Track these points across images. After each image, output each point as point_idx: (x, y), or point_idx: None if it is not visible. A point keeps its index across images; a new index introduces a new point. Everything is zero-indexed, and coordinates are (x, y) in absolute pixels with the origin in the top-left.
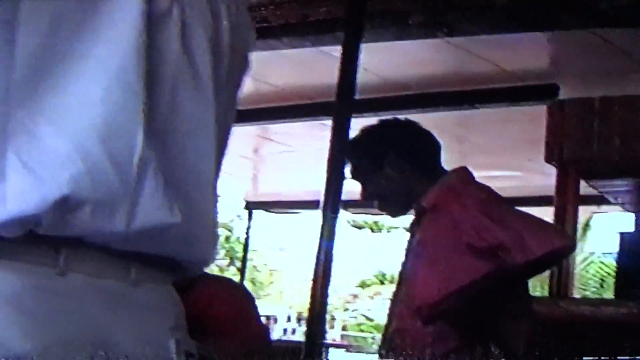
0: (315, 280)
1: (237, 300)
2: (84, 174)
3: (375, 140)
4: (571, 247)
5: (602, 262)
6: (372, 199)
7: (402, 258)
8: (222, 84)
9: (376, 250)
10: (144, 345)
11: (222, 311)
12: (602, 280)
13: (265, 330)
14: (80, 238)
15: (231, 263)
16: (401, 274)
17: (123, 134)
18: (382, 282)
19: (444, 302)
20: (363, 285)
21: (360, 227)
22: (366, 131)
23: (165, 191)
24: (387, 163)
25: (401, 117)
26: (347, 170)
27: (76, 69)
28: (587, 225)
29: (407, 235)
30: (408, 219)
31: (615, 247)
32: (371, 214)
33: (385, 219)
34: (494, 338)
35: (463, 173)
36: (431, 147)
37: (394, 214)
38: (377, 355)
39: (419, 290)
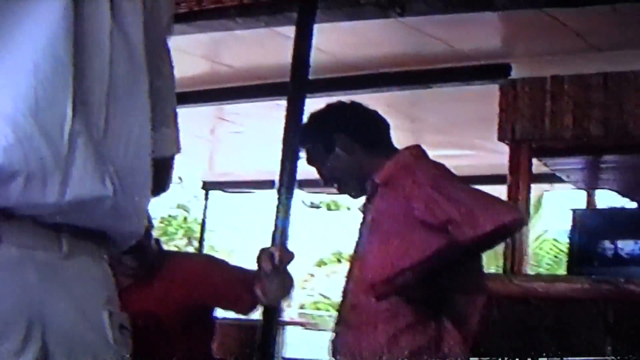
0: None
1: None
2: (15, 145)
3: (324, 125)
4: (521, 222)
5: (555, 240)
6: (330, 183)
7: (357, 235)
8: (153, 53)
9: (333, 229)
10: (78, 318)
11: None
12: (555, 257)
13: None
14: (13, 209)
15: (189, 243)
16: (355, 251)
17: (53, 107)
18: (339, 261)
19: (398, 278)
20: (320, 264)
21: (317, 207)
22: (314, 117)
23: (96, 163)
24: (337, 145)
25: (346, 99)
26: (304, 156)
27: (4, 43)
28: (539, 203)
29: (361, 212)
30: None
31: (567, 225)
32: (328, 193)
33: (343, 198)
34: (447, 314)
35: (416, 150)
36: (380, 126)
37: (354, 194)
38: (333, 333)
39: (372, 266)
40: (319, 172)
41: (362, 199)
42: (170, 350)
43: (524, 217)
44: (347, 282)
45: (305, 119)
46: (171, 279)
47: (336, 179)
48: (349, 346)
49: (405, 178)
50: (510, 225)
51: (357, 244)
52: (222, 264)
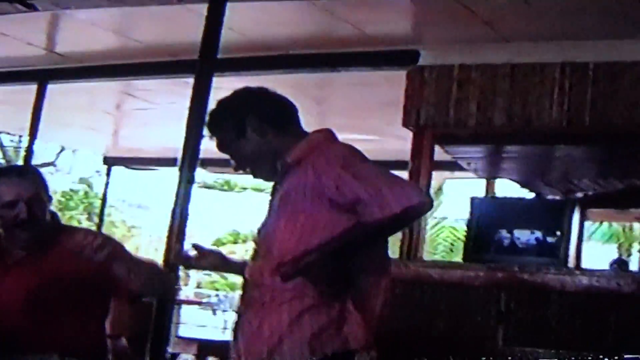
0: (169, 236)
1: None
2: None
3: (234, 109)
4: (429, 204)
5: (453, 228)
6: (243, 168)
7: (265, 214)
8: None
9: (228, 209)
10: None
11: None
12: (452, 244)
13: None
14: None
15: (89, 218)
16: (262, 229)
17: None
18: (235, 242)
19: (304, 258)
20: (218, 243)
21: (210, 187)
22: (223, 103)
23: None
24: (249, 129)
25: (253, 84)
26: (213, 139)
27: None
28: (439, 190)
29: (270, 192)
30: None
31: (466, 213)
32: (228, 173)
33: (237, 178)
34: (352, 295)
35: (327, 132)
36: (289, 109)
37: (267, 177)
38: (231, 313)
39: (278, 245)
40: (232, 158)
41: (256, 180)
42: (60, 325)
43: (431, 200)
44: (252, 261)
45: (213, 106)
46: (62, 252)
47: (249, 163)
48: (252, 325)
49: (317, 157)
50: (419, 208)
51: (265, 223)
52: (117, 246)
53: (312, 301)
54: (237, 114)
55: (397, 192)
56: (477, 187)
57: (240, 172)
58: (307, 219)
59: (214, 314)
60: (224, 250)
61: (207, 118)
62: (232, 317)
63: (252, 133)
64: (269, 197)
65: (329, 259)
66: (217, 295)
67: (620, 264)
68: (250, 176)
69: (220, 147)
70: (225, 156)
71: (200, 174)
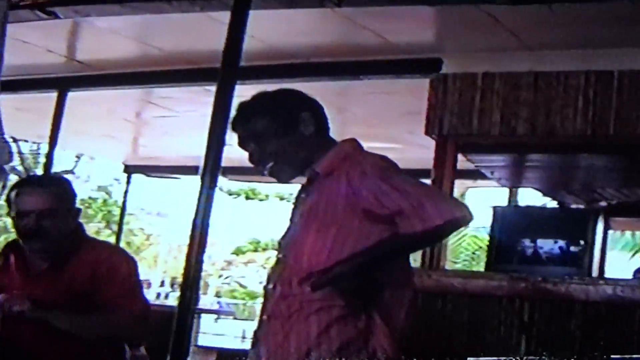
0: (190, 246)
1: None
2: None
3: (291, 101)
4: (469, 218)
5: (475, 236)
6: (268, 161)
7: (288, 224)
8: None
9: (251, 217)
10: None
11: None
12: (474, 253)
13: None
14: None
15: (107, 226)
16: (287, 239)
17: None
18: (255, 250)
19: (336, 267)
20: (238, 252)
21: (235, 195)
22: (280, 92)
23: None
24: (302, 123)
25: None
26: (242, 130)
27: None
28: (462, 199)
29: (294, 201)
30: (284, 187)
31: (488, 222)
32: (248, 182)
33: (261, 187)
34: (377, 307)
35: (355, 142)
36: (326, 115)
37: (286, 178)
38: (249, 321)
39: (309, 256)
40: (261, 150)
41: (279, 188)
42: (73, 341)
43: (471, 214)
44: (274, 271)
45: (256, 94)
46: (80, 266)
47: (280, 159)
48: (277, 337)
49: (351, 168)
50: (460, 221)
51: (290, 232)
52: (129, 262)
53: (339, 312)
54: (294, 107)
55: (439, 205)
56: (500, 195)
57: (260, 167)
58: (339, 230)
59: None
60: (243, 258)
61: (247, 104)
62: (251, 326)
63: (303, 128)
64: (293, 206)
65: (361, 270)
66: (236, 304)
67: None
68: (269, 176)
69: (252, 137)
70: (247, 164)
71: (223, 181)
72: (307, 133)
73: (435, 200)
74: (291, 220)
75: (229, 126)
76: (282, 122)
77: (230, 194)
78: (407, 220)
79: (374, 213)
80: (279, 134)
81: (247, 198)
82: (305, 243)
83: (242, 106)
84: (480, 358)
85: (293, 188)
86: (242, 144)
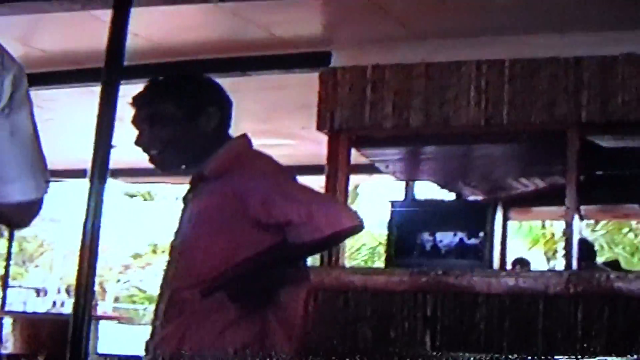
0: (82, 251)
1: None
2: None
3: (205, 91)
4: (359, 227)
5: (372, 232)
6: (156, 147)
7: (177, 226)
8: None
9: (148, 220)
10: None
11: None
12: (374, 249)
13: None
14: None
15: None
16: (176, 242)
17: None
18: (154, 252)
19: (226, 274)
20: (136, 256)
21: (132, 196)
22: (194, 79)
23: None
24: (205, 116)
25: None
26: (141, 107)
27: None
28: (355, 193)
29: (182, 201)
30: (182, 188)
31: (384, 216)
32: (141, 183)
33: (159, 189)
34: (272, 309)
35: (246, 141)
36: (232, 113)
37: (169, 168)
38: (149, 327)
39: (200, 261)
40: (153, 134)
41: (175, 189)
42: None
43: (362, 223)
44: (166, 275)
45: (180, 76)
46: None
47: (170, 146)
48: (169, 341)
49: (239, 174)
50: (349, 231)
51: (179, 235)
52: None
53: (232, 317)
54: (203, 99)
55: (328, 215)
56: (395, 188)
57: (145, 150)
58: (229, 237)
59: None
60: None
61: (156, 83)
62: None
63: (203, 122)
64: (182, 206)
65: (252, 276)
66: (136, 309)
67: (521, 263)
68: (150, 163)
69: (149, 117)
70: (138, 165)
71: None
72: (207, 128)
73: (324, 210)
74: (180, 221)
75: (130, 102)
76: (186, 111)
77: (128, 196)
78: (295, 231)
79: (262, 221)
80: (178, 121)
81: (144, 200)
82: (196, 248)
83: (151, 83)
84: None
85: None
86: (136, 122)
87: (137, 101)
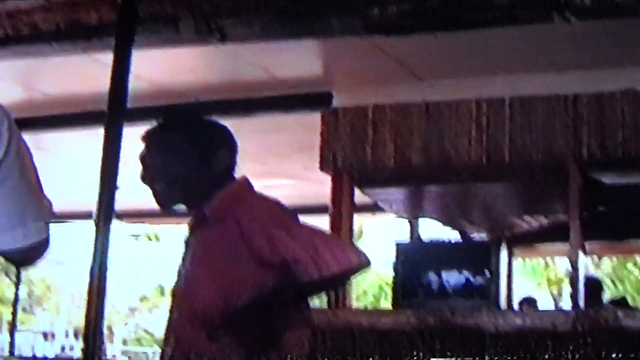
0: (90, 294)
1: None
2: None
3: (221, 133)
4: (366, 264)
5: (377, 273)
6: (163, 179)
7: (179, 269)
8: None
9: (155, 261)
10: None
11: None
12: (380, 288)
13: None
14: None
15: (6, 275)
16: (179, 285)
17: None
18: (161, 295)
19: (231, 315)
20: (142, 298)
21: (136, 236)
22: (212, 120)
23: None
24: (217, 158)
25: None
26: (156, 136)
27: None
28: (360, 232)
29: (184, 244)
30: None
31: (390, 255)
32: (147, 224)
33: (164, 230)
34: (276, 349)
35: (246, 184)
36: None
37: (170, 203)
38: None
39: (204, 303)
40: (162, 162)
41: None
42: None
43: (368, 261)
44: (170, 319)
45: (199, 114)
46: None
47: (177, 181)
48: None
49: (241, 214)
50: (356, 269)
51: (182, 278)
52: None
53: (237, 357)
54: (219, 140)
55: (335, 252)
56: (399, 227)
57: (147, 182)
58: (233, 278)
59: None
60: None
61: (177, 114)
62: None
63: (214, 163)
64: (183, 249)
65: (256, 315)
66: (144, 352)
67: (529, 303)
68: (152, 196)
69: (162, 148)
70: (143, 207)
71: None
72: (218, 169)
73: (331, 248)
74: (182, 264)
75: (142, 136)
76: (201, 149)
77: (132, 235)
78: (303, 268)
79: (268, 260)
80: (191, 157)
81: (149, 240)
82: (200, 290)
83: (166, 119)
84: None
85: None
86: (145, 156)
87: (150, 134)
